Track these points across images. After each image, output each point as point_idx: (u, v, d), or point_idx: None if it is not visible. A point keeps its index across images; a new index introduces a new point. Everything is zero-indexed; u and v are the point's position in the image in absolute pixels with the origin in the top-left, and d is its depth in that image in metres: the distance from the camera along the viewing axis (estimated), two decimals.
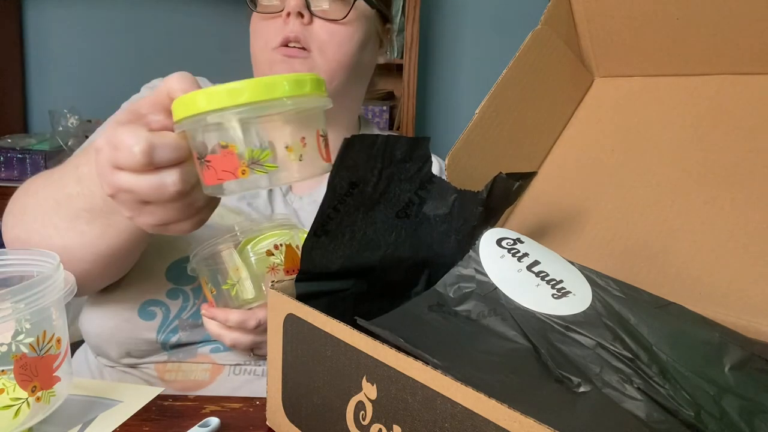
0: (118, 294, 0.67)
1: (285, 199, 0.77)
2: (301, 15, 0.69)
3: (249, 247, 0.61)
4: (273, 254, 0.61)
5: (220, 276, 0.61)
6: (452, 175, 0.59)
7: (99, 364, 0.71)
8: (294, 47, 0.70)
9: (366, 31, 0.74)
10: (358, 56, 0.73)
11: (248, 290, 0.61)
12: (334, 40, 0.70)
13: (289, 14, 0.69)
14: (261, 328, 0.62)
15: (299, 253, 0.61)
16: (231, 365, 0.68)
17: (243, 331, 0.62)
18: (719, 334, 0.40)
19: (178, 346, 0.68)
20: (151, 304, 0.67)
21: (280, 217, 0.68)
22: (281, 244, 0.61)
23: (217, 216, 0.70)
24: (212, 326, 0.63)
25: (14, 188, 0.78)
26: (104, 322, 0.67)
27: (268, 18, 0.71)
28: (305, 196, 0.78)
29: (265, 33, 0.72)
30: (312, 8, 0.70)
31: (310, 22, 0.70)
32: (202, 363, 0.68)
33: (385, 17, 0.78)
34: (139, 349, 0.67)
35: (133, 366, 0.69)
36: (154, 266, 0.68)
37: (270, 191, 0.76)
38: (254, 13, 0.74)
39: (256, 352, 0.67)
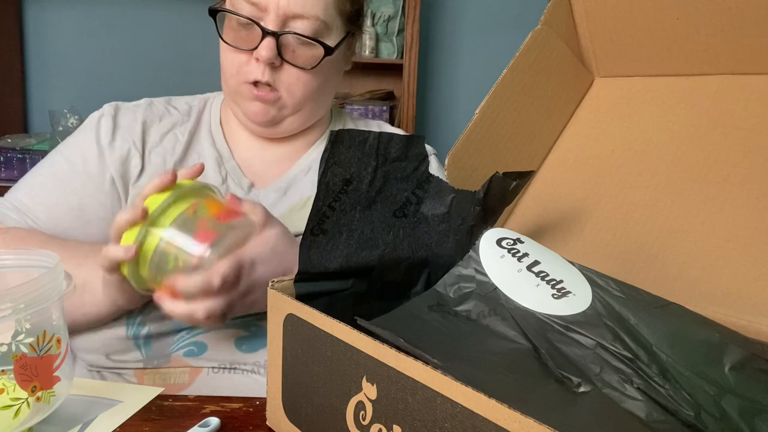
0: None
1: (248, 195, 0.76)
2: (272, 62, 0.70)
3: (162, 220, 0.56)
4: (195, 212, 0.56)
5: (162, 265, 0.56)
6: (452, 175, 0.59)
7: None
8: (263, 88, 0.71)
9: (333, 67, 0.75)
10: (324, 87, 0.76)
11: (192, 251, 0.56)
12: (300, 83, 0.72)
13: (259, 59, 0.69)
14: (227, 285, 0.56)
15: (219, 197, 0.59)
16: (207, 367, 0.68)
17: (211, 296, 0.56)
18: (719, 334, 0.40)
19: (150, 338, 0.68)
20: None
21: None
22: (194, 204, 0.57)
23: None
24: (179, 308, 0.57)
25: None
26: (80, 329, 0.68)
27: (240, 51, 0.71)
28: (268, 187, 0.78)
29: (236, 62, 0.72)
30: (282, 55, 0.70)
31: (280, 65, 0.71)
32: (179, 367, 0.68)
33: (353, 33, 0.78)
34: (114, 349, 0.68)
35: (114, 370, 0.69)
36: None
37: (226, 191, 0.76)
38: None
39: (229, 315, 0.61)
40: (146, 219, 0.55)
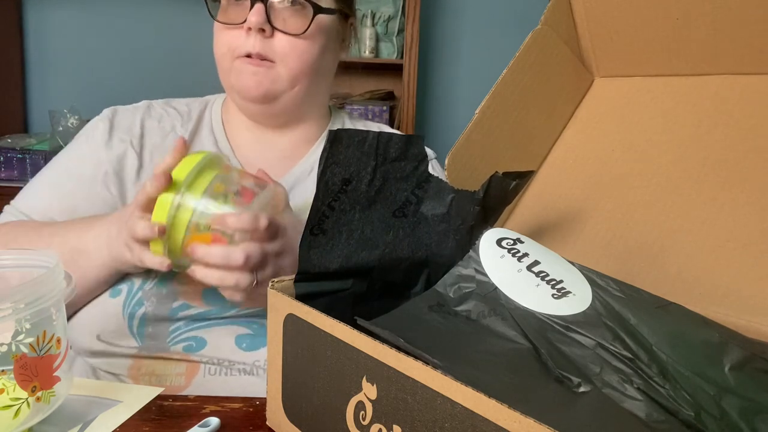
0: None
1: None
2: (262, 30, 0.70)
3: (195, 187, 0.56)
4: (226, 178, 0.57)
5: (197, 229, 0.56)
6: (452, 175, 0.59)
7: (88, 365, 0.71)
8: (257, 60, 0.72)
9: (326, 38, 0.76)
10: (319, 62, 0.76)
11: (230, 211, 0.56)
12: (295, 52, 0.72)
13: (250, 29, 0.70)
14: (271, 230, 0.57)
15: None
16: (205, 363, 0.68)
17: (231, 269, 0.56)
18: (719, 334, 0.40)
19: (146, 322, 0.67)
20: (119, 283, 0.68)
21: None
22: (223, 170, 0.58)
23: None
24: (216, 252, 0.56)
25: (14, 188, 0.78)
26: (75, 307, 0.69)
27: (231, 28, 0.72)
28: None
29: (227, 40, 0.73)
30: (273, 22, 0.71)
31: (272, 35, 0.71)
32: (175, 360, 0.68)
33: (346, 15, 0.79)
34: (106, 328, 0.67)
35: (107, 355, 0.68)
36: None
37: None
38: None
39: (261, 283, 0.59)
40: (176, 188, 0.56)
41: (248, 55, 0.72)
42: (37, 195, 0.75)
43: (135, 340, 0.68)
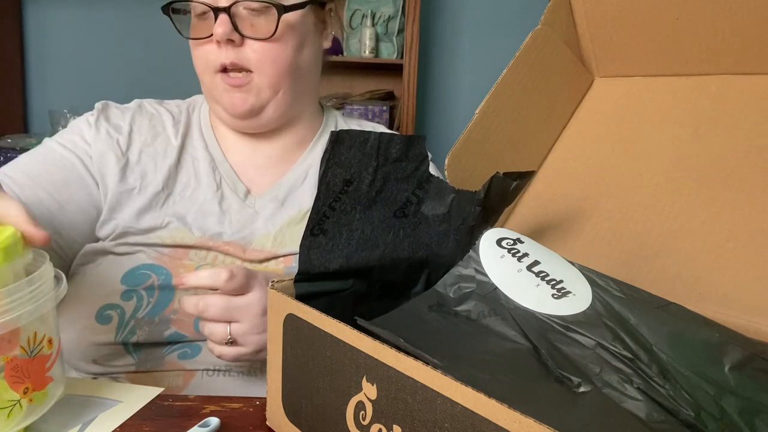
0: (76, 305, 0.67)
1: (244, 203, 0.75)
2: (231, 41, 0.69)
3: None
4: None
5: None
6: (452, 175, 0.59)
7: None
8: (235, 74, 0.71)
9: (299, 35, 0.74)
10: (296, 61, 0.74)
11: None
12: (268, 57, 0.71)
13: (219, 41, 0.69)
14: (212, 314, 0.59)
15: None
16: (201, 370, 0.67)
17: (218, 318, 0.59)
18: (719, 334, 0.40)
19: (141, 345, 0.67)
20: (106, 309, 0.67)
21: None
22: None
23: (178, 232, 0.71)
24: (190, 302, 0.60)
25: None
26: (65, 334, 0.67)
27: (203, 42, 0.71)
28: (265, 194, 0.77)
29: (203, 55, 0.72)
30: (240, 30, 0.69)
31: (242, 43, 0.70)
32: (173, 371, 0.67)
33: (321, 3, 0.77)
34: (102, 354, 0.66)
35: (106, 374, 0.68)
36: (110, 274, 0.68)
37: (222, 198, 0.75)
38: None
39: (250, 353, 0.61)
40: None
41: (224, 69, 0.71)
42: (29, 162, 0.72)
43: (132, 358, 0.67)
